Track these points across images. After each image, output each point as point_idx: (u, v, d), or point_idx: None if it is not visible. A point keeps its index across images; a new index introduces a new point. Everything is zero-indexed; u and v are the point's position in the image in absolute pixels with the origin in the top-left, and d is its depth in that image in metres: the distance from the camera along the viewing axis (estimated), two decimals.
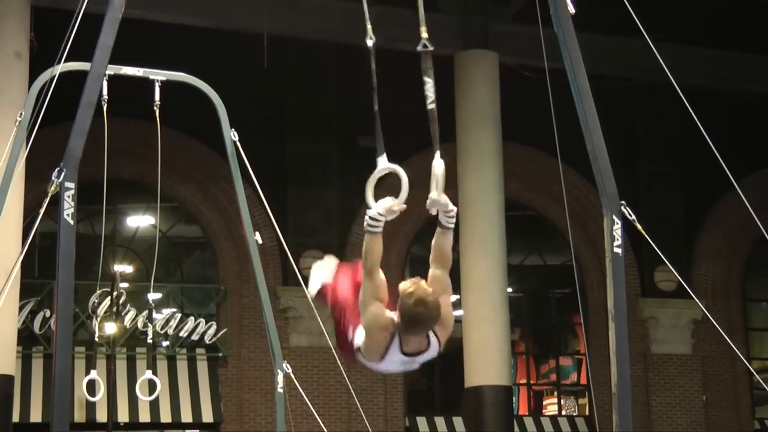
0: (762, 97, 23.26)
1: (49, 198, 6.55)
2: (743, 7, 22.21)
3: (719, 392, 24.31)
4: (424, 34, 5.99)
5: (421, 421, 22.75)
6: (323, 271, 6.56)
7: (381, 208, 5.76)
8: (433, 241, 6.08)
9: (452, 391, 22.21)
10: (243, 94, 18.14)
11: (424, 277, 5.93)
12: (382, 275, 5.84)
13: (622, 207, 6.99)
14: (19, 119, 9.98)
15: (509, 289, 20.58)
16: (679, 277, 9.85)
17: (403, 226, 21.09)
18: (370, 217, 5.75)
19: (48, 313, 20.23)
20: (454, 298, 22.28)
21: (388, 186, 6.01)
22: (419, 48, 5.97)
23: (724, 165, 7.90)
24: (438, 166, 6.05)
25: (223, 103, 10.83)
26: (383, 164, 5.99)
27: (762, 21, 22.06)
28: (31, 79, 12.68)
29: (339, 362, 15.12)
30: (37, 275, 20.12)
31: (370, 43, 6.03)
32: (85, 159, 6.61)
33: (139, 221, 22.58)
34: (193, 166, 21.80)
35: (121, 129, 17.63)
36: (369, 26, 6.08)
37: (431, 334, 5.86)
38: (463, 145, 19.77)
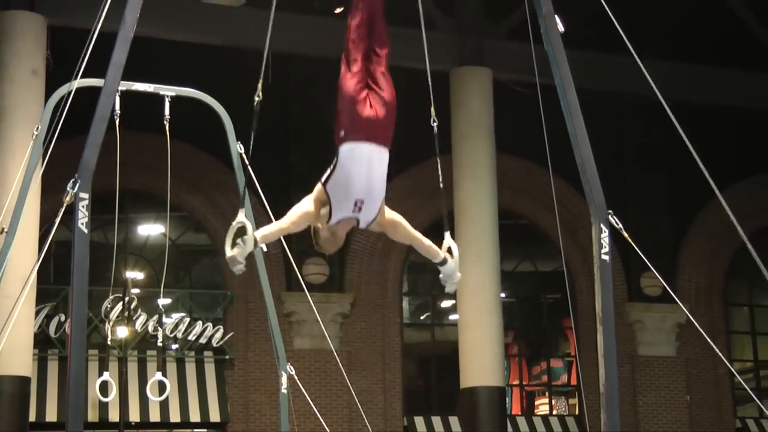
0: (744, 111, 23.30)
1: (64, 208, 6.55)
2: (726, 25, 22.25)
3: (702, 392, 24.31)
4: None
5: (419, 421, 22.73)
6: None
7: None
8: (419, 240, 6.60)
9: (448, 391, 22.20)
10: (248, 109, 18.14)
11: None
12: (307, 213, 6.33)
13: (610, 216, 7.00)
14: (35, 133, 10.00)
15: (502, 294, 20.58)
16: (664, 283, 9.85)
17: None
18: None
19: (63, 318, 20.22)
20: (449, 302, 22.23)
21: None
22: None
23: (707, 174, 7.91)
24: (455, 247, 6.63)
25: (230, 117, 10.85)
26: (240, 217, 6.39)
27: (744, 38, 22.09)
28: (47, 95, 12.71)
29: (340, 364, 15.14)
30: (52, 281, 20.13)
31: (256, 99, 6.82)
32: (99, 171, 6.62)
33: (150, 230, 22.59)
34: (201, 177, 21.82)
35: (132, 142, 17.61)
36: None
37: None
38: (459, 156, 19.78)
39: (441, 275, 6.70)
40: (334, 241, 6.43)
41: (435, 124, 6.63)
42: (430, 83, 6.64)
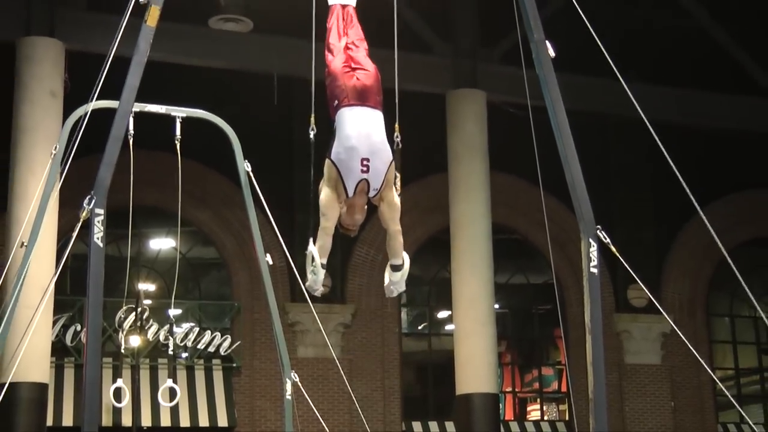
0: (723, 131, 23.32)
1: (81, 223, 6.56)
2: (707, 51, 22.30)
3: (686, 399, 24.27)
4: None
5: (417, 426, 22.69)
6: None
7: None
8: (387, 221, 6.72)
9: (445, 398, 22.16)
10: (254, 129, 18.15)
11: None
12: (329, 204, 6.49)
13: (598, 231, 7.01)
14: (54, 152, 10.01)
15: (496, 306, 20.55)
16: (649, 295, 9.84)
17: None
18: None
19: (79, 327, 20.21)
20: (446, 313, 22.15)
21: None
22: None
23: (689, 193, 7.92)
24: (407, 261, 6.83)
25: (237, 137, 10.86)
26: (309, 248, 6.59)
27: (723, 63, 22.14)
28: (65, 116, 12.71)
29: (342, 372, 15.13)
30: (69, 293, 20.10)
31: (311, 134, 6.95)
32: (113, 188, 6.63)
33: (161, 244, 22.58)
34: (210, 194, 21.82)
35: (144, 160, 17.63)
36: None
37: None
38: (454, 174, 19.77)
39: (388, 280, 6.82)
40: (352, 213, 6.54)
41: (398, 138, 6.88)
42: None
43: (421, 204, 21.79)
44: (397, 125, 6.85)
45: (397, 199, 6.64)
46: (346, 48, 6.85)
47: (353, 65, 6.73)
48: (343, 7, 7.11)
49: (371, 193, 6.51)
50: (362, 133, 6.44)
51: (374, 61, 6.92)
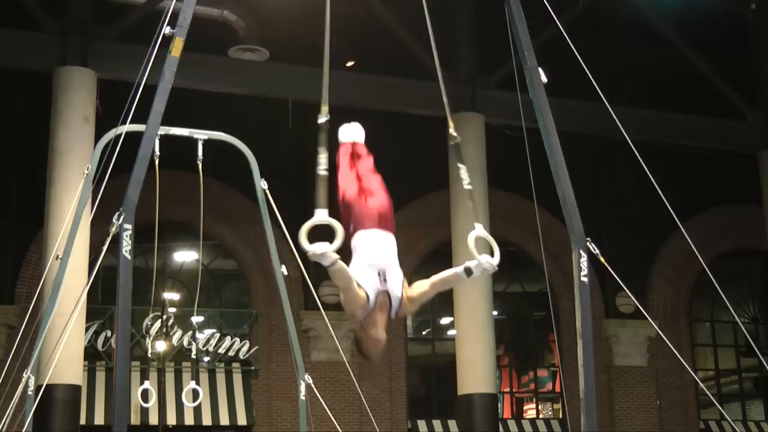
0: (702, 151, 23.30)
1: (111, 237, 6.56)
2: (685, 77, 22.31)
3: (670, 398, 24.19)
4: (453, 132, 6.38)
5: (421, 424, 22.63)
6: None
7: (317, 250, 5.74)
8: (439, 280, 6.46)
9: (447, 398, 22.09)
10: (271, 150, 18.18)
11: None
12: (357, 289, 5.93)
13: (588, 243, 7.00)
14: (86, 172, 10.03)
15: (495, 312, 20.51)
16: (636, 302, 9.82)
17: (403, 258, 21.06)
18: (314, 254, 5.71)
19: (109, 333, 20.21)
20: (448, 320, 22.06)
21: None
22: (450, 142, 6.43)
23: (670, 208, 7.92)
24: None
25: (255, 158, 10.87)
26: (321, 217, 5.87)
27: (703, 88, 22.13)
28: (97, 139, 12.74)
29: (352, 375, 15.09)
30: (100, 301, 20.11)
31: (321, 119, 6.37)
32: (140, 205, 6.64)
33: (185, 256, 22.59)
34: (230, 210, 21.83)
35: (170, 179, 17.63)
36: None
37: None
38: (455, 191, 19.73)
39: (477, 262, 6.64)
40: (374, 326, 5.98)
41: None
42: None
43: (425, 219, 21.76)
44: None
45: (417, 285, 6.35)
46: (358, 178, 6.57)
47: (367, 192, 6.44)
48: (354, 144, 6.97)
49: (393, 305, 6.09)
50: (377, 248, 6.12)
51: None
